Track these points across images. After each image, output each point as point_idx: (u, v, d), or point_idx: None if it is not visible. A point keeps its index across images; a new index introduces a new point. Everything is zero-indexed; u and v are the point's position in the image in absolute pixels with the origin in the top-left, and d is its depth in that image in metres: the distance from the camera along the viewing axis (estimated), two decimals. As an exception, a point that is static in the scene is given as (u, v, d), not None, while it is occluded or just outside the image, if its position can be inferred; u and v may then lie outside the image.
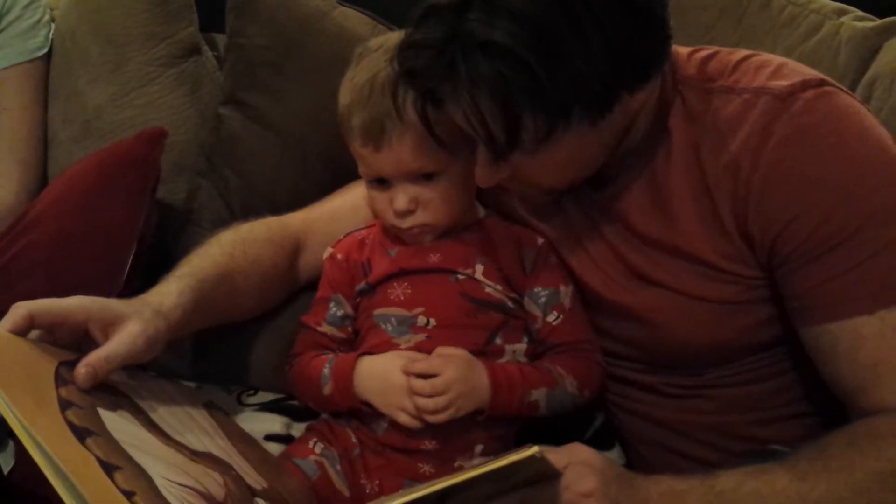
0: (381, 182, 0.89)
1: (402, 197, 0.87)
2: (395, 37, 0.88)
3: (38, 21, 1.33)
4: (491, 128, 0.73)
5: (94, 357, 0.76)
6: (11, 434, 0.95)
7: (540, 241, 0.93)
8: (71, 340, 0.79)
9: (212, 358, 1.13)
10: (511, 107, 0.71)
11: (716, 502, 0.72)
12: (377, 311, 0.92)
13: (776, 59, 0.84)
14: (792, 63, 0.84)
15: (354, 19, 1.22)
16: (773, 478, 0.73)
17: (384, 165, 0.87)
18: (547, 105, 0.71)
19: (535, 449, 0.61)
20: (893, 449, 0.73)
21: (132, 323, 0.79)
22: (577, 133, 0.74)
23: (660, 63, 0.77)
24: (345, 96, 0.88)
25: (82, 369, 0.74)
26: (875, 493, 0.72)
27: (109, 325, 0.79)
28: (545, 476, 0.70)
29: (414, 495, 0.62)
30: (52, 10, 1.36)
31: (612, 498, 0.70)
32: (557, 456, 0.71)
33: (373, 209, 0.92)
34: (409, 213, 0.88)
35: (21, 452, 1.01)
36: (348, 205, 1.06)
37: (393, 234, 0.94)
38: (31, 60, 1.31)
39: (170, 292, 0.86)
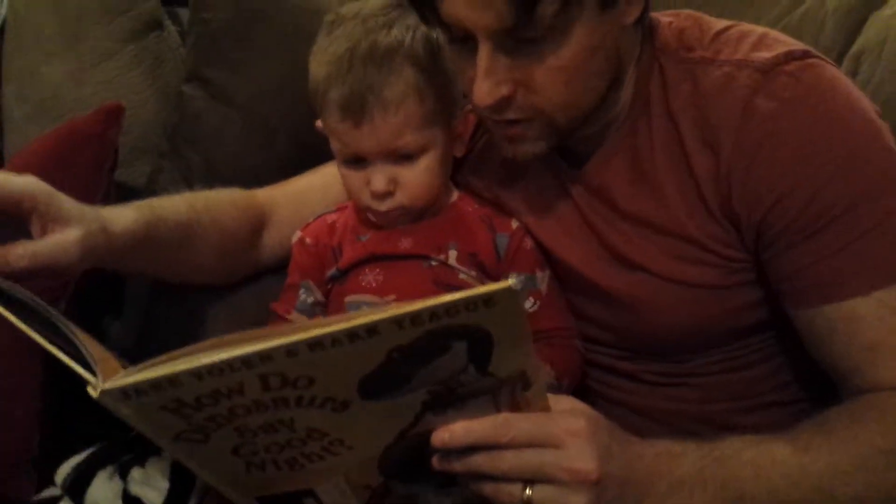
0: (356, 161, 0.85)
1: (379, 177, 0.84)
2: (371, 4, 0.84)
3: (-13, -5, 1.27)
4: None
5: (16, 248, 0.72)
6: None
7: (514, 224, 0.90)
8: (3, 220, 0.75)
9: (164, 335, 1.09)
10: None
11: (712, 466, 0.70)
12: (349, 298, 0.89)
13: (758, 30, 0.81)
14: (774, 33, 0.81)
15: (322, -10, 1.18)
16: (773, 448, 0.71)
17: (363, 143, 0.83)
18: None
19: (511, 281, 0.56)
20: None
21: (74, 229, 0.75)
22: (587, 26, 0.71)
23: None
24: (319, 68, 0.83)
25: None
26: (878, 470, 0.70)
27: (51, 222, 0.75)
28: (532, 379, 0.64)
29: (376, 316, 0.56)
30: (4, -17, 1.30)
31: (603, 444, 0.66)
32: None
33: (347, 189, 0.88)
34: (387, 194, 0.85)
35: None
36: (317, 184, 1.02)
37: (364, 218, 0.90)
38: (-21, 37, 1.26)
39: (125, 216, 0.84)
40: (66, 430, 0.96)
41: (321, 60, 0.83)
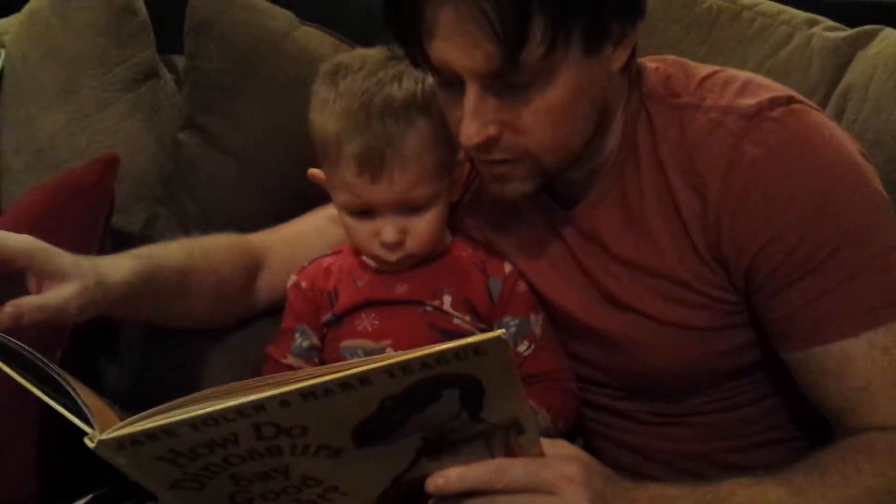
0: (364, 213, 0.85)
1: (390, 229, 0.84)
2: (372, 53, 0.85)
3: (-14, 46, 1.29)
4: (506, 17, 0.67)
5: (28, 301, 0.73)
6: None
7: (507, 268, 0.90)
8: None
9: (159, 379, 1.09)
10: None
11: None
12: (344, 343, 0.89)
13: (742, 75, 0.82)
14: (759, 79, 0.82)
15: (317, 39, 1.19)
16: (767, 490, 0.71)
17: (378, 196, 0.82)
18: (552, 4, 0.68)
19: (500, 331, 0.57)
20: (889, 465, 0.72)
21: (70, 284, 0.77)
22: (572, 71, 0.72)
23: (642, 11, 0.75)
24: (329, 121, 0.82)
25: (8, 309, 0.72)
26: None
27: (47, 279, 0.76)
28: (520, 422, 0.64)
29: (370, 366, 0.56)
30: (1, 35, 1.32)
31: (597, 489, 0.66)
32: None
33: (354, 240, 0.88)
34: (397, 244, 0.85)
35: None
36: (312, 228, 1.03)
37: (361, 262, 0.90)
38: (-22, 88, 1.28)
39: (122, 268, 0.84)
40: (66, 475, 0.95)
41: (331, 113, 0.82)
